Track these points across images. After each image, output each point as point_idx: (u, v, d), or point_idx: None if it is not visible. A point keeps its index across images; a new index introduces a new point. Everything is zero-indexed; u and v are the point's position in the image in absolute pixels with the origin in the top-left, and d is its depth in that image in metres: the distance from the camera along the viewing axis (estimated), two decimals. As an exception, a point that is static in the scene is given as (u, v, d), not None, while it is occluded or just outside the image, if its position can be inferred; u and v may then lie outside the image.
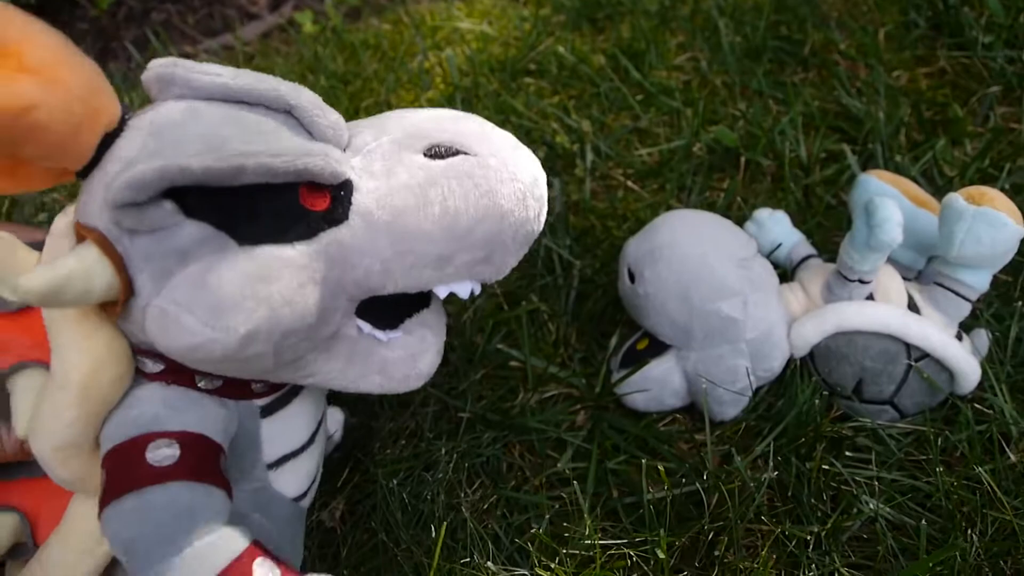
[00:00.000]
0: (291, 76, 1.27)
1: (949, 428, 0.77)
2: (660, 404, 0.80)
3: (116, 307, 0.47)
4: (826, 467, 0.73)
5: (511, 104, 1.15)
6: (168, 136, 0.47)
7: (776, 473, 0.72)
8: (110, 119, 0.46)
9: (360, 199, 0.51)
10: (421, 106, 1.19)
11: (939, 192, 0.95)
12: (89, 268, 0.44)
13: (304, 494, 0.62)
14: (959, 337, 0.77)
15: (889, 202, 0.71)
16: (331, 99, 1.20)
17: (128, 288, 0.46)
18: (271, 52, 1.38)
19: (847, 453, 0.75)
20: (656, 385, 0.79)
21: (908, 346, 0.75)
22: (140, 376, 0.52)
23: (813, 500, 0.72)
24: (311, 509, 0.76)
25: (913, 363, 0.75)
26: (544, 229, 0.97)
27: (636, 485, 0.75)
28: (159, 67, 0.50)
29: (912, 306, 0.77)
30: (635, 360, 0.80)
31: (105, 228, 0.46)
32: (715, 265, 0.75)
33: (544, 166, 1.04)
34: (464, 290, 0.55)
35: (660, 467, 0.69)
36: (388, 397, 0.83)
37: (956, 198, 0.73)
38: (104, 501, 0.48)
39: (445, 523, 0.68)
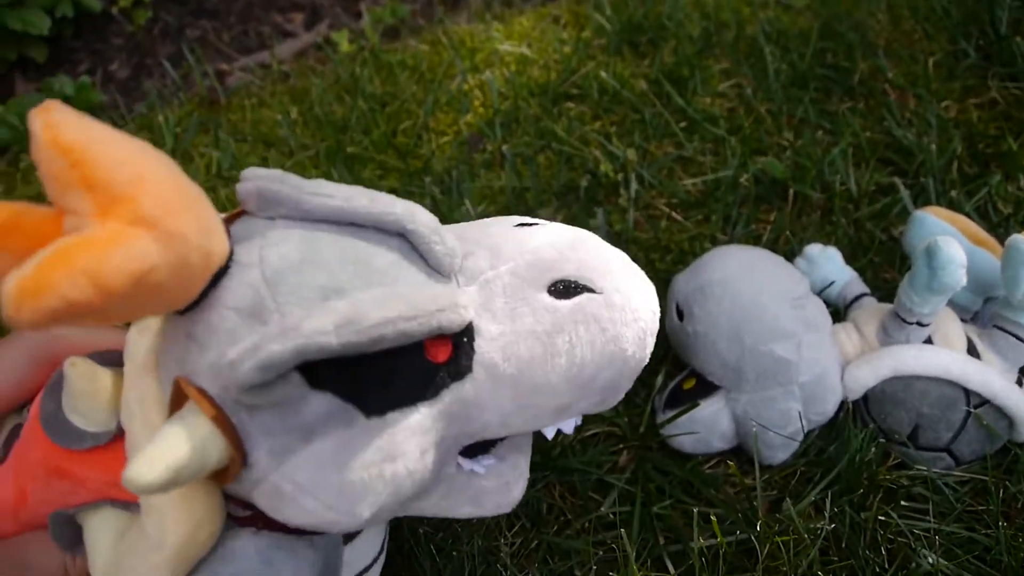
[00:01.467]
0: (328, 96, 1.25)
1: (1009, 477, 0.73)
2: (707, 447, 0.77)
3: (224, 477, 0.42)
4: (881, 518, 0.70)
5: (552, 129, 1.13)
6: (285, 286, 0.41)
7: (832, 526, 0.69)
8: (220, 259, 0.41)
9: (483, 346, 0.47)
10: (459, 130, 1.17)
11: (993, 229, 0.92)
12: (203, 445, 0.39)
13: None
14: (1019, 382, 0.74)
15: (952, 242, 0.68)
16: (369, 121, 1.18)
17: (242, 462, 0.42)
18: (307, 71, 1.37)
19: (902, 503, 0.72)
20: (704, 427, 0.76)
21: (967, 392, 0.72)
22: (228, 520, 0.48)
23: (868, 552, 0.69)
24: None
25: (972, 410, 0.72)
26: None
27: (682, 531, 0.72)
28: (261, 181, 0.44)
29: (971, 350, 0.74)
30: (681, 400, 0.78)
31: (216, 394, 0.40)
32: (768, 305, 0.73)
33: (587, 195, 1.03)
34: (570, 426, 0.53)
35: (713, 517, 0.66)
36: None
37: (1021, 240, 0.70)
38: None
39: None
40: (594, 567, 0.69)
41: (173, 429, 0.39)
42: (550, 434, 0.53)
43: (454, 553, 0.70)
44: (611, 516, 0.74)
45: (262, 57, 1.47)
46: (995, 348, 0.75)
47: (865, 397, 0.76)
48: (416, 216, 0.46)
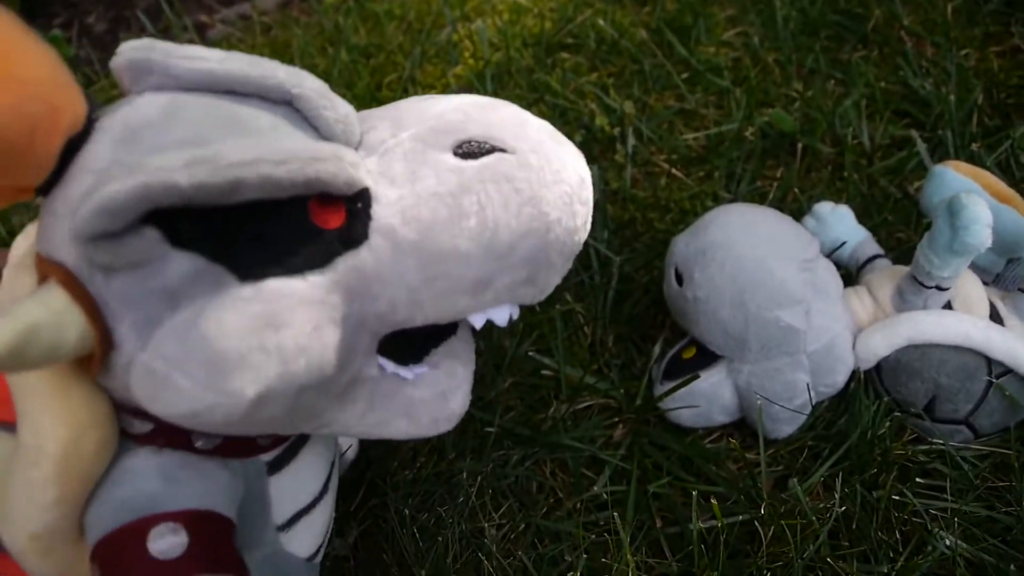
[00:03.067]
0: (310, 49, 1.19)
1: (1031, 451, 0.68)
2: (708, 420, 0.72)
3: (92, 363, 0.38)
4: (895, 496, 0.65)
5: (545, 81, 1.06)
6: (144, 142, 0.38)
7: (843, 508, 0.64)
8: (73, 120, 0.37)
9: (381, 212, 0.42)
10: (448, 83, 1.11)
11: (1017, 185, 0.86)
12: (56, 318, 0.35)
13: (318, 550, 0.54)
14: (1044, 350, 0.69)
15: (977, 199, 0.63)
16: (352, 74, 1.12)
17: (106, 340, 0.37)
18: (290, 22, 1.30)
19: (918, 480, 0.67)
20: (704, 400, 0.71)
21: (989, 360, 0.67)
22: (125, 438, 0.43)
23: (881, 534, 0.64)
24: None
25: (995, 380, 0.67)
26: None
27: (680, 511, 0.68)
28: (131, 51, 0.40)
29: (994, 315, 0.69)
30: (680, 370, 0.72)
31: (74, 264, 0.37)
32: (774, 268, 0.67)
33: (582, 151, 0.97)
34: (502, 316, 0.47)
35: (713, 500, 0.61)
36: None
37: (1050, 196, 0.64)
38: None
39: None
40: (585, 553, 0.64)
41: (25, 304, 0.35)
42: (478, 323, 0.47)
43: (439, 538, 0.65)
44: (605, 496, 0.69)
45: (244, 8, 1.41)
46: (1020, 313, 0.70)
47: (878, 367, 0.70)
48: (303, 81, 0.42)
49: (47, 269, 0.37)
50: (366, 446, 0.73)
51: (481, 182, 0.43)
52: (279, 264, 0.39)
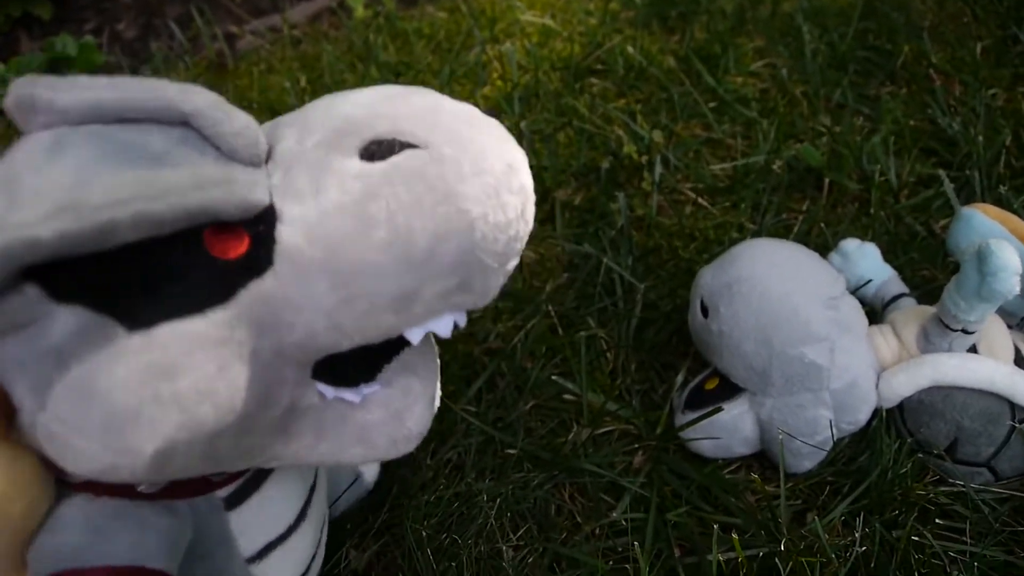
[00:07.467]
0: (340, 64, 1.20)
1: (1052, 496, 0.68)
2: (728, 452, 0.72)
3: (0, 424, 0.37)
4: (915, 538, 0.65)
5: (573, 106, 1.07)
6: (24, 189, 0.35)
7: (863, 548, 0.64)
8: None
9: (285, 233, 0.38)
10: (476, 103, 1.11)
11: (1043, 228, 0.86)
12: None
13: None
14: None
15: (1006, 247, 0.63)
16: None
17: (7, 404, 0.36)
18: (319, 37, 1.31)
19: (937, 521, 0.67)
20: (726, 432, 0.71)
21: (1013, 405, 0.67)
22: (64, 486, 0.41)
23: (900, 575, 0.64)
24: (342, 546, 0.69)
25: (1017, 424, 0.67)
26: (604, 246, 0.89)
27: (697, 541, 0.67)
28: (17, 90, 0.38)
29: (1019, 360, 0.69)
30: (702, 401, 0.73)
31: None
32: (800, 305, 0.67)
33: (608, 177, 0.98)
34: (444, 327, 0.43)
35: (734, 534, 0.61)
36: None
37: (1079, 241, 0.64)
38: None
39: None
40: (603, 579, 0.64)
41: None
42: (415, 338, 0.42)
43: (452, 564, 0.66)
44: (624, 522, 0.69)
45: (274, 20, 1.42)
46: (1045, 358, 0.69)
47: (901, 406, 0.70)
48: (193, 97, 0.39)
49: None
50: (389, 467, 0.73)
51: (389, 185, 0.38)
52: (173, 305, 0.36)
